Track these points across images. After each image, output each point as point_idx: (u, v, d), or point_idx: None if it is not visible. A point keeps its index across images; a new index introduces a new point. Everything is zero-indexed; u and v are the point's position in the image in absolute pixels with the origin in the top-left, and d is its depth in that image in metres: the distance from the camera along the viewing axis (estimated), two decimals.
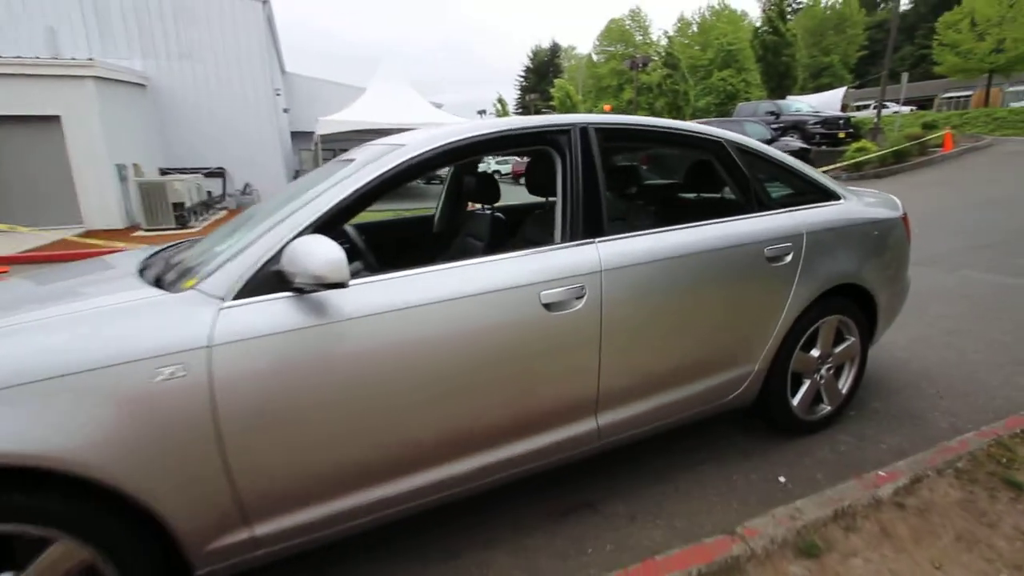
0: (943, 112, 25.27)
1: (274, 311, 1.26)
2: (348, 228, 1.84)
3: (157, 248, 1.94)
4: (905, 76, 17.85)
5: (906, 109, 21.84)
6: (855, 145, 12.44)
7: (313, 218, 1.35)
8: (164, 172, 11.40)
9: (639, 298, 1.70)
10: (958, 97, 32.52)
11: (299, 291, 1.28)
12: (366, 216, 1.97)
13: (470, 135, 1.61)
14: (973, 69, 25.48)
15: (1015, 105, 24.58)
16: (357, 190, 1.42)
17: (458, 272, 1.48)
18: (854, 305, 2.21)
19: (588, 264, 1.62)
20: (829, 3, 36.94)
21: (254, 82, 13.53)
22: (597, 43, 44.35)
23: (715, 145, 2.02)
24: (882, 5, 44.27)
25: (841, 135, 14.04)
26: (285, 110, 16.03)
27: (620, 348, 1.68)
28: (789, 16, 34.05)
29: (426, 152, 1.53)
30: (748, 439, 2.26)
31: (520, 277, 1.52)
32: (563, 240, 1.66)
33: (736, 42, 35.16)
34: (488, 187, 2.44)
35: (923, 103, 31.03)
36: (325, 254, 1.20)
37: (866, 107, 27.20)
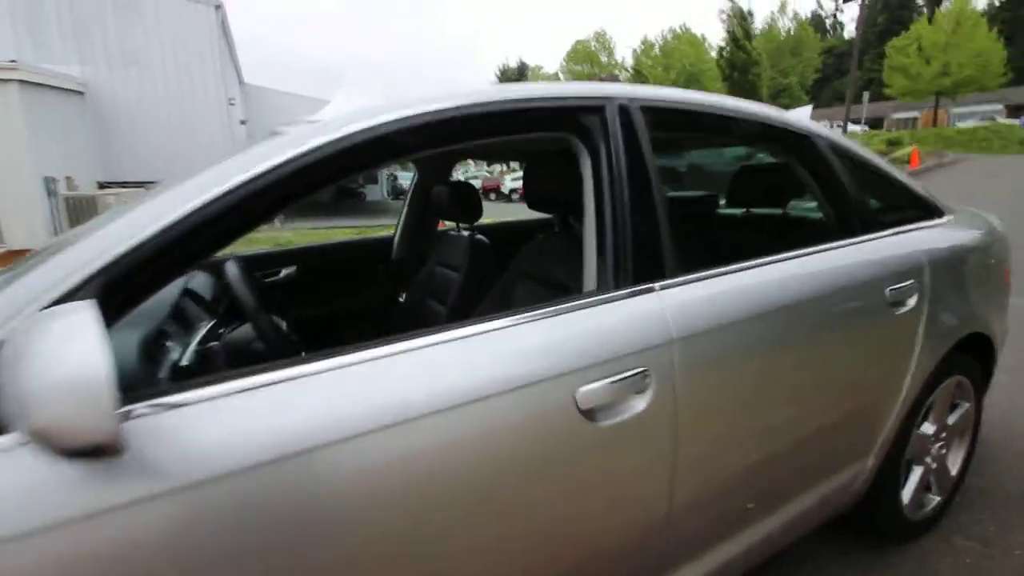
0: (893, 132, 26.58)
1: None
2: (232, 265, 1.11)
3: None
4: (866, 96, 18.77)
5: (859, 128, 23.05)
6: None
7: (89, 270, 0.63)
8: (103, 186, 10.35)
9: (735, 381, 1.05)
10: (906, 118, 34.38)
11: None
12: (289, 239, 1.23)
13: (434, 109, 0.88)
14: (921, 91, 26.92)
15: (960, 125, 26.29)
16: (209, 203, 0.70)
17: (419, 359, 0.78)
18: (972, 359, 1.63)
19: (650, 330, 0.94)
20: (786, 27, 38.40)
21: (206, 91, 12.66)
22: (564, 63, 44.84)
23: (804, 142, 1.38)
24: (830, 32, 47.64)
25: None
26: (242, 122, 15.06)
27: (706, 468, 1.02)
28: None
29: (353, 135, 0.81)
30: (834, 551, 1.62)
31: (538, 363, 0.84)
32: (601, 288, 0.98)
33: (698, 63, 35.95)
34: (465, 198, 1.79)
35: (873, 123, 32.55)
36: (58, 369, 0.50)
37: None
